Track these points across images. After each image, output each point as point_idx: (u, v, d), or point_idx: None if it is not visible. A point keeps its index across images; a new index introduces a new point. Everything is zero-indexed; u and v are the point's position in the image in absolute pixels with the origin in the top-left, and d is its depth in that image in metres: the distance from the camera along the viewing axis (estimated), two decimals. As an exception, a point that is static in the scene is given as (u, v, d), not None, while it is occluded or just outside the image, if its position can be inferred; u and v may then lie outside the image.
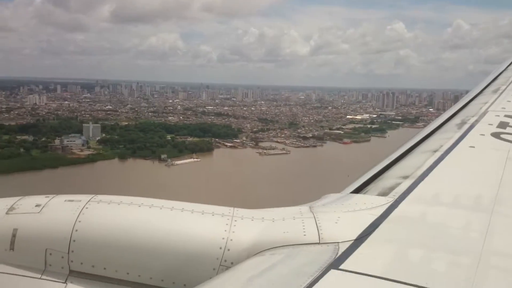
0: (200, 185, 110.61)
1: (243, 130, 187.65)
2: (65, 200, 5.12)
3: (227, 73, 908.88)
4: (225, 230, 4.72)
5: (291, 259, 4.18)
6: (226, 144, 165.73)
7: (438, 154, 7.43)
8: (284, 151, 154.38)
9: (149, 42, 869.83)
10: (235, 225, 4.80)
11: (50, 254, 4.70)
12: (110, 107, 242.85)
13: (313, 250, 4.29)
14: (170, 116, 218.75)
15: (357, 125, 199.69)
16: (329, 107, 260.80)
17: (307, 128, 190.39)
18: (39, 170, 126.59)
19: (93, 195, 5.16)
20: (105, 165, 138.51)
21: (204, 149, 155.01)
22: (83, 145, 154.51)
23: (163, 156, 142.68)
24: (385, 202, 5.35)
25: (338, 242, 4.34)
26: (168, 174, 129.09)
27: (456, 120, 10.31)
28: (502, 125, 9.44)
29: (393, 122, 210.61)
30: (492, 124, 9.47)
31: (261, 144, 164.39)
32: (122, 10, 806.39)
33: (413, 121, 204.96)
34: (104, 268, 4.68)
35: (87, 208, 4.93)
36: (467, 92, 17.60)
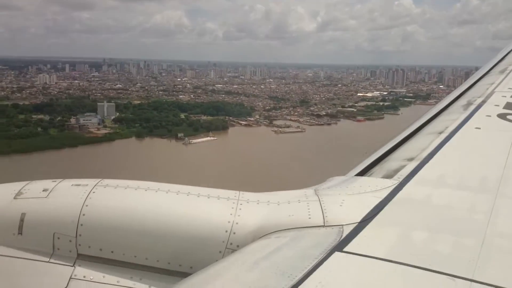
0: (220, 163, 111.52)
1: (255, 108, 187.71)
2: (72, 185, 5.18)
3: (233, 50, 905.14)
4: (231, 214, 4.77)
5: (296, 242, 4.23)
6: (241, 122, 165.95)
7: (443, 136, 7.39)
8: (300, 129, 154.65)
9: (154, 20, 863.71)
10: (240, 209, 4.84)
11: (58, 238, 4.79)
12: (120, 85, 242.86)
13: (318, 233, 4.34)
14: (181, 95, 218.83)
15: (369, 103, 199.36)
16: (339, 85, 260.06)
17: (319, 106, 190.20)
18: (59, 149, 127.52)
19: (100, 179, 5.22)
20: (123, 144, 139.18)
21: (219, 128, 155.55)
22: (99, 124, 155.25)
23: (180, 135, 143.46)
24: (390, 184, 5.37)
25: (342, 225, 4.39)
26: (187, 152, 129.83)
27: (462, 101, 10.23)
28: (509, 106, 9.32)
29: (405, 99, 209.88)
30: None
31: (275, 122, 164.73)
32: None
33: (424, 98, 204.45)
34: (112, 252, 4.75)
35: (94, 192, 4.99)
36: (477, 69, 17.90)
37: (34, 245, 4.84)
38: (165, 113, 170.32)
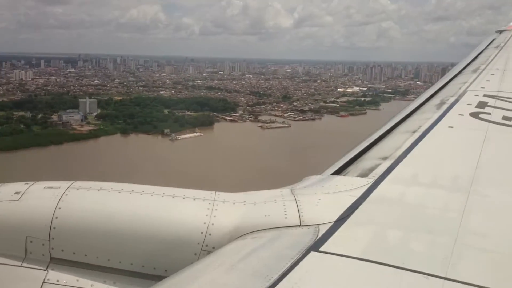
0: (208, 159, 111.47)
1: (239, 104, 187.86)
2: (44, 187, 5.08)
3: (209, 46, 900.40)
4: (207, 215, 4.73)
5: (272, 242, 4.24)
6: (226, 118, 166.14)
7: (417, 135, 7.46)
8: (285, 125, 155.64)
9: (130, 15, 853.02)
10: (216, 209, 4.81)
11: (31, 241, 4.70)
12: (98, 81, 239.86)
13: (294, 233, 4.35)
14: (161, 90, 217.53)
15: (350, 98, 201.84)
16: (318, 80, 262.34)
17: (302, 102, 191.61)
18: (44, 146, 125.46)
19: (73, 182, 5.14)
20: (109, 140, 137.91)
21: (205, 123, 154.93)
22: (82, 120, 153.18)
23: (166, 131, 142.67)
24: (365, 183, 5.41)
25: (318, 224, 4.41)
26: (174, 148, 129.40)
27: (435, 100, 10.30)
28: (481, 104, 9.40)
29: (384, 95, 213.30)
30: (471, 104, 9.44)
31: (260, 117, 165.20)
32: None
33: (403, 93, 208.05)
34: (85, 255, 4.69)
35: (66, 195, 4.90)
36: (452, 65, 18.40)
37: (6, 249, 4.75)
38: (148, 109, 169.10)
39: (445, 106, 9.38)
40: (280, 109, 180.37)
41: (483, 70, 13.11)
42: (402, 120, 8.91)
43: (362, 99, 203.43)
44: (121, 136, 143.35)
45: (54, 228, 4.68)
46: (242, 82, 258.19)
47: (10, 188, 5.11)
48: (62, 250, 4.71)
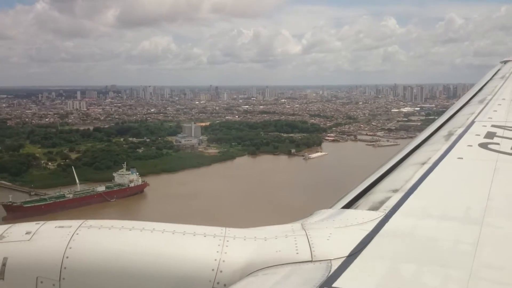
0: (353, 174, 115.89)
1: (321, 125, 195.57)
2: (55, 227, 5.05)
3: (215, 74, 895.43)
4: (217, 251, 4.66)
5: (284, 279, 4.18)
6: (327, 138, 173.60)
7: (426, 167, 7.40)
8: (393, 143, 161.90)
9: (142, 47, 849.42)
10: (227, 246, 4.74)
11: (41, 282, 4.63)
12: (154, 110, 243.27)
13: (306, 269, 4.30)
14: (228, 116, 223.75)
15: (420, 117, 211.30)
16: (360, 103, 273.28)
17: (382, 122, 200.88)
18: (198, 167, 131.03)
19: (83, 221, 5.13)
20: (247, 161, 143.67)
21: (316, 143, 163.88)
22: (199, 144, 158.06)
23: (292, 151, 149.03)
24: (376, 216, 5.35)
25: (330, 259, 4.34)
26: (315, 166, 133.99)
27: (443, 131, 10.26)
28: (489, 135, 9.37)
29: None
30: (479, 135, 9.38)
31: (359, 137, 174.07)
32: (128, 14, 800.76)
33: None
34: None
35: (77, 234, 4.86)
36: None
37: None
38: (255, 131, 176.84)
39: (453, 137, 9.34)
40: (367, 128, 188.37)
41: (490, 100, 13.10)
42: (411, 152, 8.96)
43: (431, 117, 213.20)
44: (250, 157, 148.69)
45: (65, 268, 4.62)
46: (295, 106, 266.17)
47: (21, 228, 5.06)
48: None
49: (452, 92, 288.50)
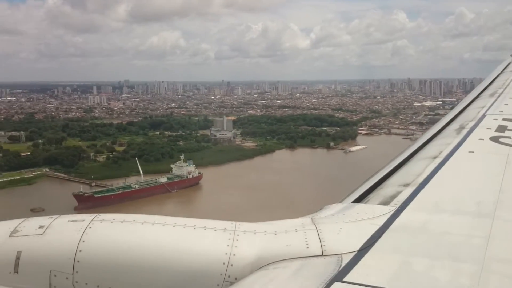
0: None
1: (349, 119, 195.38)
2: (68, 221, 5.10)
3: (222, 69, 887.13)
4: (228, 245, 4.68)
5: (295, 273, 4.19)
6: (360, 132, 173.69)
7: (438, 161, 7.37)
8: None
9: (150, 42, 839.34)
10: (237, 240, 4.75)
11: (55, 275, 4.67)
12: (174, 104, 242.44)
13: (317, 263, 4.29)
14: (249, 110, 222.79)
15: (446, 111, 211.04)
16: (377, 97, 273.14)
17: (409, 115, 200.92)
18: (242, 160, 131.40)
19: (96, 214, 5.17)
20: (288, 154, 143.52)
21: (351, 137, 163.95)
22: (233, 137, 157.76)
23: (331, 144, 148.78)
24: (387, 211, 5.33)
25: (341, 254, 4.34)
26: (357, 159, 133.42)
27: (455, 125, 10.18)
28: (501, 128, 9.31)
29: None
30: (490, 128, 9.31)
31: (392, 131, 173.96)
32: (140, 9, 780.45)
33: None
34: None
35: (90, 228, 4.90)
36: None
37: (31, 284, 4.73)
38: (286, 125, 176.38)
39: (464, 131, 9.27)
40: (397, 122, 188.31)
41: (501, 94, 13.02)
42: (422, 145, 8.91)
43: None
44: (288, 150, 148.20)
45: (78, 261, 4.66)
46: (313, 100, 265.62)
47: (34, 223, 5.09)
48: (86, 284, 4.67)
49: (469, 86, 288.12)
